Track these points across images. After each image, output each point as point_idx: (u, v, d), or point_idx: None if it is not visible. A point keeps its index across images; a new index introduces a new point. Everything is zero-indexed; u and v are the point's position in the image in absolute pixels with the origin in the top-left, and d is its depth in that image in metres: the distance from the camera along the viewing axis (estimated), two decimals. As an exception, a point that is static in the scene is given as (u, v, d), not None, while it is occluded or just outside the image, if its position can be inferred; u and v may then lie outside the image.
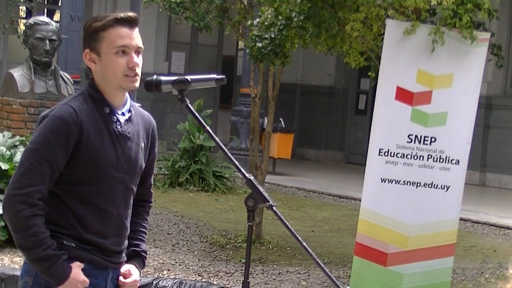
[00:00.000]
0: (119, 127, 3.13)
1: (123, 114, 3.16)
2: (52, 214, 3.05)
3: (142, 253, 3.30)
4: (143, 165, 3.24)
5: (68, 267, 3.02)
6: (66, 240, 3.05)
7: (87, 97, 3.10)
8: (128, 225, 3.22)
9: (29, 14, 17.12)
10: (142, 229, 3.32)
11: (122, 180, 3.13)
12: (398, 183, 6.41)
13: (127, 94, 3.18)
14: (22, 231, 2.99)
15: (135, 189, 3.23)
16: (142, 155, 3.21)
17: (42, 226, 3.00)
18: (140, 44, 3.11)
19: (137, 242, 3.28)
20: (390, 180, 6.41)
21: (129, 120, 3.17)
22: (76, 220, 3.06)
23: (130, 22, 3.09)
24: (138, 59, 3.10)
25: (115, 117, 3.13)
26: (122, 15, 3.09)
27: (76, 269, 3.03)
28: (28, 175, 3.00)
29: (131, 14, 3.11)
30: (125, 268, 3.22)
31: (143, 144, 3.22)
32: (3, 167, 7.41)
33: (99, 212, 3.09)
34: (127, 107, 3.18)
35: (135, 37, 3.10)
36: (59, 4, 16.53)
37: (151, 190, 3.37)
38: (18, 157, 7.45)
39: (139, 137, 3.21)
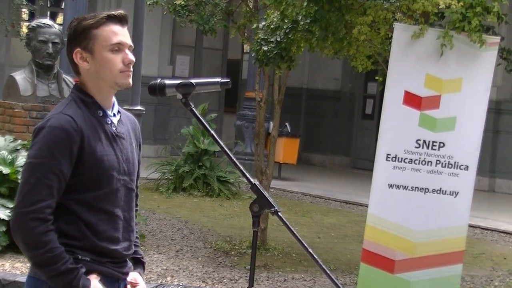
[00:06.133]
0: (114, 128, 3.12)
1: (114, 115, 3.16)
2: (61, 227, 3.01)
3: (142, 259, 3.30)
4: (138, 165, 3.24)
5: (87, 279, 2.99)
6: (81, 254, 3.02)
7: (78, 102, 3.08)
8: (134, 228, 3.22)
9: (31, 16, 17.16)
10: (136, 235, 3.31)
11: (124, 182, 3.13)
12: (406, 189, 6.40)
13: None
14: (37, 249, 2.94)
15: (135, 190, 3.22)
16: (136, 154, 3.22)
17: (57, 241, 2.95)
18: (131, 43, 3.13)
19: (135, 249, 3.27)
20: (398, 185, 6.40)
21: (120, 121, 3.17)
22: (88, 229, 3.03)
23: (121, 20, 3.09)
24: (132, 56, 3.11)
25: (109, 119, 3.12)
26: (114, 12, 3.09)
27: (95, 281, 3.02)
28: (36, 191, 2.94)
29: (122, 12, 3.12)
30: (131, 276, 3.22)
31: (134, 144, 3.22)
32: (4, 172, 7.41)
33: (109, 217, 3.08)
34: (116, 108, 3.18)
35: (127, 34, 3.11)
36: (62, 6, 16.57)
37: (138, 193, 3.34)
38: (19, 161, 7.46)
39: (131, 137, 3.21)
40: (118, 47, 3.06)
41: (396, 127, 6.42)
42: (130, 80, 3.12)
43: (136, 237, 3.29)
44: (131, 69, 3.11)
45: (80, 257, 3.01)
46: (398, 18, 6.92)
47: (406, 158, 6.39)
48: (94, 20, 3.06)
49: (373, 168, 6.53)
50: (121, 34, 3.08)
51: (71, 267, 2.95)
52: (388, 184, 6.41)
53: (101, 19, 3.06)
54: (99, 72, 3.07)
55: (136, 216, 3.29)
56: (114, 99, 3.18)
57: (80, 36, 3.07)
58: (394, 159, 6.40)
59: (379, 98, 17.50)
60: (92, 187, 3.04)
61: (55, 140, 2.97)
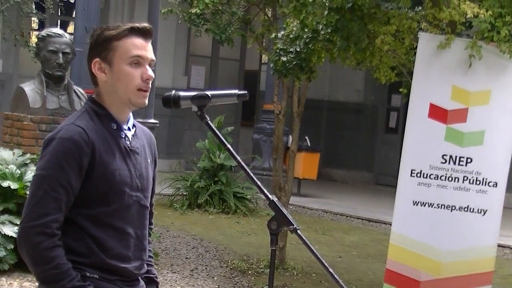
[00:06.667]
0: (128, 142, 3.13)
1: (129, 129, 3.16)
2: (69, 243, 3.01)
3: (155, 279, 3.30)
4: (153, 182, 3.24)
5: None
6: (89, 272, 3.02)
7: (91, 114, 3.09)
8: (147, 247, 3.22)
9: (41, 25, 17.27)
10: (149, 253, 3.31)
11: (137, 198, 3.13)
12: (431, 207, 6.38)
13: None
14: (43, 265, 2.94)
15: (149, 207, 3.22)
16: (151, 170, 3.22)
17: (64, 257, 2.95)
18: (154, 57, 3.13)
19: (148, 268, 3.27)
20: (423, 203, 6.38)
21: (135, 135, 3.18)
22: (96, 245, 3.03)
23: (145, 34, 3.10)
24: (152, 72, 3.11)
25: (123, 133, 3.13)
26: (137, 25, 3.09)
27: None
28: (43, 204, 2.95)
29: (146, 25, 3.12)
30: (144, 296, 3.22)
31: (149, 160, 3.23)
32: (12, 187, 7.45)
33: (118, 235, 3.07)
34: (131, 121, 3.19)
35: (150, 49, 3.11)
36: (73, 15, 16.68)
37: (153, 211, 3.34)
38: (28, 176, 7.49)
39: (146, 152, 3.22)
40: (137, 61, 3.07)
41: (421, 141, 6.41)
42: (146, 101, 3.12)
43: (150, 256, 3.29)
44: (149, 87, 3.11)
45: (88, 274, 3.02)
46: (424, 28, 6.91)
47: (432, 174, 6.37)
48: (116, 31, 3.07)
49: (397, 184, 6.52)
50: (143, 48, 3.08)
51: (78, 285, 2.95)
52: (413, 201, 6.40)
53: (123, 30, 3.06)
54: (115, 85, 3.08)
55: (150, 234, 3.30)
56: (130, 113, 3.19)
57: (100, 46, 3.08)
58: (419, 175, 6.38)
59: (403, 111, 17.46)
60: (101, 202, 3.04)
61: (64, 151, 2.97)
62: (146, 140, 3.25)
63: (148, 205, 3.21)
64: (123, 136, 3.13)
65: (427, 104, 6.38)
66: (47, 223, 2.94)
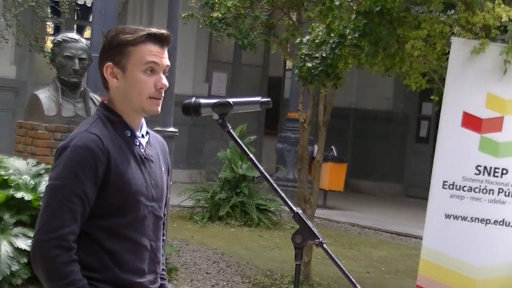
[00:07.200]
0: (142, 150, 3.13)
1: (142, 136, 3.17)
2: (82, 257, 3.00)
3: None
4: (166, 191, 3.24)
5: None
6: None
7: (105, 121, 3.09)
8: (161, 260, 3.22)
9: (57, 30, 17.37)
10: (163, 266, 3.31)
11: (152, 208, 3.13)
12: (465, 220, 6.35)
13: None
14: (58, 280, 2.93)
15: (163, 218, 3.22)
16: (165, 179, 3.22)
17: (79, 273, 2.95)
18: (169, 63, 3.13)
19: (162, 282, 3.27)
20: (456, 216, 6.35)
21: (148, 142, 3.18)
22: (111, 259, 3.02)
23: (162, 41, 3.09)
24: (166, 81, 3.11)
25: (137, 140, 3.13)
26: (155, 31, 3.08)
27: None
28: (58, 216, 2.94)
29: (164, 31, 3.11)
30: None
31: (163, 168, 3.23)
32: (26, 198, 7.48)
33: (134, 247, 3.07)
34: (144, 128, 3.19)
35: (165, 56, 3.11)
36: (90, 19, 16.78)
37: (165, 221, 3.34)
38: (42, 187, 7.52)
39: (160, 160, 3.22)
40: (152, 68, 3.06)
41: (454, 151, 6.38)
42: (159, 108, 3.12)
43: (163, 269, 3.29)
44: (162, 96, 3.11)
45: None
46: (456, 32, 6.89)
47: (465, 186, 6.34)
48: (132, 36, 3.06)
49: (428, 197, 6.49)
50: (158, 55, 3.07)
51: None
52: (445, 214, 6.37)
53: (140, 36, 3.05)
54: (127, 92, 3.08)
55: (163, 246, 3.30)
56: (142, 119, 3.20)
57: (114, 49, 3.07)
58: (451, 186, 6.36)
59: (434, 120, 17.41)
60: (117, 213, 3.03)
61: (79, 160, 2.97)
62: (160, 148, 3.26)
63: (162, 215, 3.21)
64: (138, 144, 3.13)
65: (460, 112, 6.35)
66: (64, 236, 2.93)
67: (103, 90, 3.19)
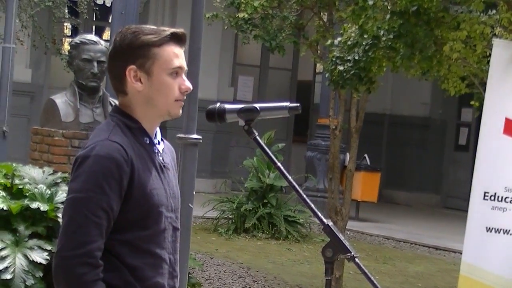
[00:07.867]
0: (161, 158, 3.13)
1: (158, 143, 3.17)
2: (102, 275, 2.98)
3: None
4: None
5: None
6: None
7: (123, 128, 3.07)
8: (179, 274, 3.21)
9: (74, 32, 17.48)
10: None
11: (171, 220, 3.13)
12: (507, 234, 6.31)
13: None
14: None
15: (179, 229, 3.21)
16: (178, 188, 3.23)
17: None
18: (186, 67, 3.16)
19: None
20: (497, 229, 6.32)
21: (163, 149, 3.19)
22: (132, 276, 3.01)
23: (182, 40, 3.12)
24: (189, 83, 3.13)
25: (156, 148, 3.14)
26: (177, 31, 3.10)
27: None
28: (84, 231, 2.92)
29: (183, 31, 3.14)
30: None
31: (176, 176, 3.24)
32: (42, 208, 7.50)
33: (154, 261, 3.06)
34: (159, 135, 3.19)
35: (184, 57, 3.14)
36: (109, 20, 16.87)
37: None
38: (59, 197, 7.55)
39: (173, 168, 3.23)
40: (177, 72, 3.08)
41: (495, 160, 6.35)
42: (181, 111, 3.14)
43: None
44: (185, 98, 3.13)
45: None
46: (498, 33, 6.86)
47: (507, 197, 6.30)
48: (156, 36, 3.06)
49: (468, 209, 6.46)
50: (181, 57, 3.10)
51: None
52: (486, 228, 6.33)
53: (165, 37, 3.06)
54: (152, 97, 3.08)
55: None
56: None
57: (136, 51, 3.06)
58: (492, 198, 6.32)
59: (475, 127, 17.35)
60: (138, 226, 3.03)
61: (103, 171, 2.95)
62: (171, 155, 3.26)
63: (179, 226, 3.21)
64: (156, 151, 3.13)
65: (502, 118, 6.32)
66: (91, 252, 2.91)
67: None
